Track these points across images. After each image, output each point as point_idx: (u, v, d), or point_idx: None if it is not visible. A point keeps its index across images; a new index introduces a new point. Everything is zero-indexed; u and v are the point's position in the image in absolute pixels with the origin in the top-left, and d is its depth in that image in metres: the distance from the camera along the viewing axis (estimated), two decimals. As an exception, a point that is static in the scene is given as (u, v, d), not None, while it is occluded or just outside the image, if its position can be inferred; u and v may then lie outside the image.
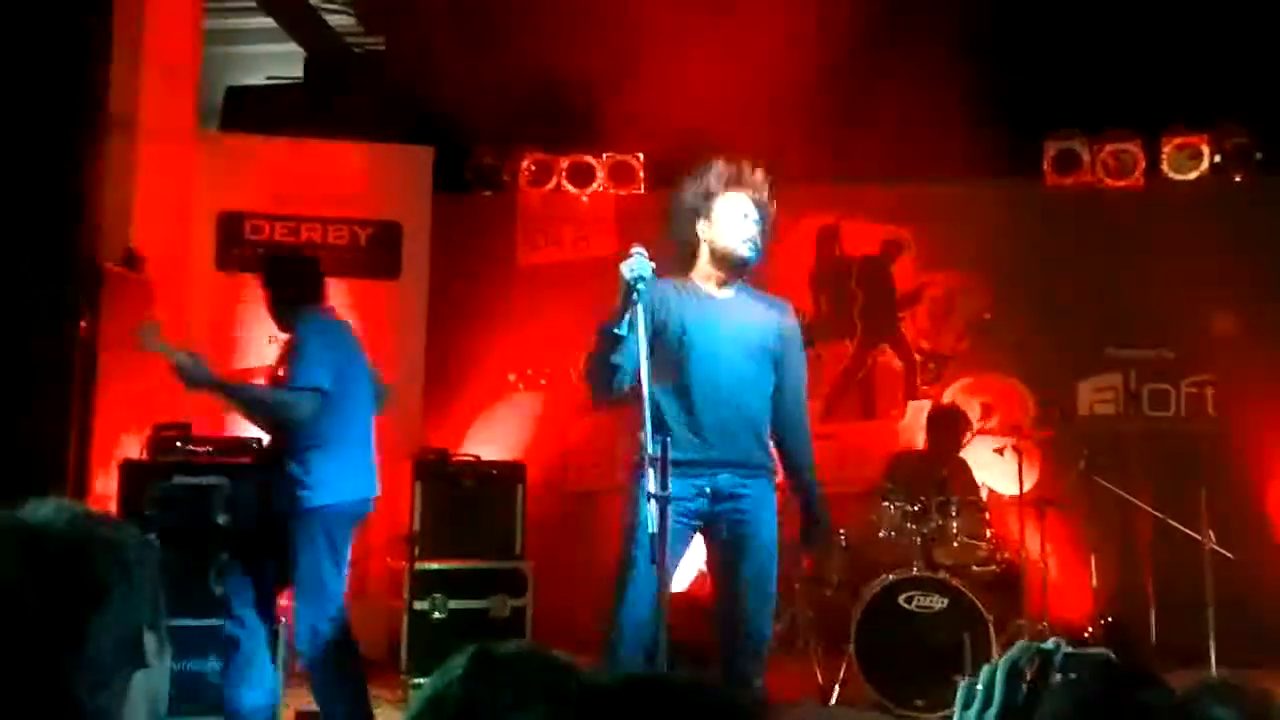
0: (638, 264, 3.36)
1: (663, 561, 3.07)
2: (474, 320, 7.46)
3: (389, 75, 7.32)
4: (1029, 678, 0.96)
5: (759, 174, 3.80)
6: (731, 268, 3.79)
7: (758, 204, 3.78)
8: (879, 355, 7.47)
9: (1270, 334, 6.76)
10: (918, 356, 7.42)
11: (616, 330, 3.47)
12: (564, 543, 6.65)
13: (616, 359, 3.52)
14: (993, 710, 0.96)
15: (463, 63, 6.72)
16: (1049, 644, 0.98)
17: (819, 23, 6.48)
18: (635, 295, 3.33)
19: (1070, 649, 0.98)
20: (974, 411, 7.05)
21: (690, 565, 5.12)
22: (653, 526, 3.07)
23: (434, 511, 6.06)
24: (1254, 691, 0.90)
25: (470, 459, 6.60)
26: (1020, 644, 0.98)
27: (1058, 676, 0.96)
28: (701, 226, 3.79)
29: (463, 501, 6.12)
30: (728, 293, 3.82)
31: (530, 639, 5.49)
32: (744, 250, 3.76)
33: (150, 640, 1.20)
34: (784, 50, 6.51)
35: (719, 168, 3.79)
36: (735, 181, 3.77)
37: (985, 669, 0.98)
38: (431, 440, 6.86)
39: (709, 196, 3.77)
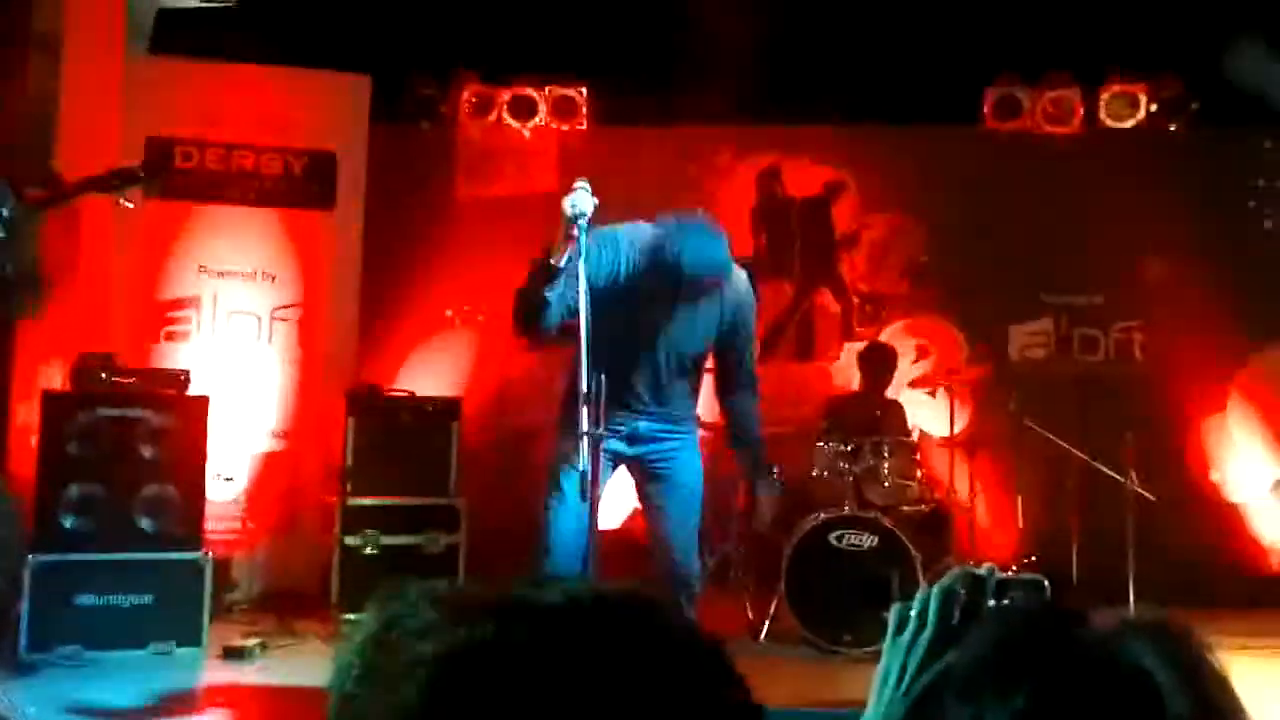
0: (580, 199, 3.30)
1: (595, 497, 3.08)
2: (411, 254, 7.34)
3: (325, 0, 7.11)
4: (962, 602, 0.96)
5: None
6: None
7: None
8: (817, 297, 7.49)
9: (1197, 282, 6.88)
10: (855, 298, 7.46)
11: (551, 262, 3.40)
12: (498, 480, 6.63)
13: (547, 293, 3.43)
14: (925, 634, 0.96)
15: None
16: (982, 569, 0.98)
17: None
18: (575, 231, 3.27)
19: (1003, 575, 0.98)
20: (909, 354, 7.12)
21: (623, 503, 5.15)
22: (583, 464, 3.06)
23: (367, 446, 6.00)
24: (1178, 629, 0.88)
25: (405, 394, 6.53)
26: (954, 570, 0.98)
27: (991, 602, 0.97)
28: None
29: (396, 437, 6.06)
30: None
31: (463, 576, 5.49)
32: None
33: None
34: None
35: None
36: None
37: (919, 593, 0.98)
38: (365, 375, 6.78)
39: None
